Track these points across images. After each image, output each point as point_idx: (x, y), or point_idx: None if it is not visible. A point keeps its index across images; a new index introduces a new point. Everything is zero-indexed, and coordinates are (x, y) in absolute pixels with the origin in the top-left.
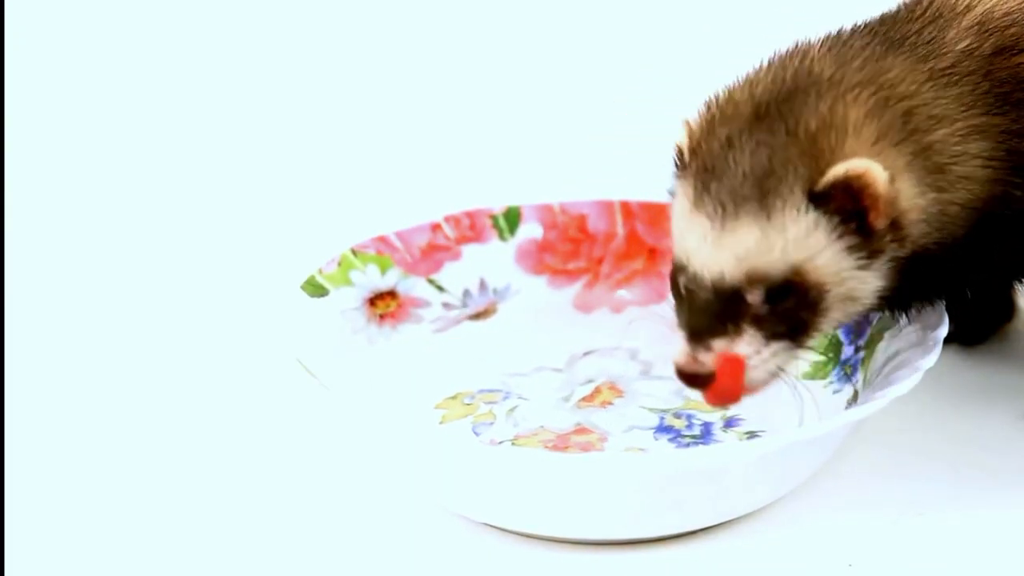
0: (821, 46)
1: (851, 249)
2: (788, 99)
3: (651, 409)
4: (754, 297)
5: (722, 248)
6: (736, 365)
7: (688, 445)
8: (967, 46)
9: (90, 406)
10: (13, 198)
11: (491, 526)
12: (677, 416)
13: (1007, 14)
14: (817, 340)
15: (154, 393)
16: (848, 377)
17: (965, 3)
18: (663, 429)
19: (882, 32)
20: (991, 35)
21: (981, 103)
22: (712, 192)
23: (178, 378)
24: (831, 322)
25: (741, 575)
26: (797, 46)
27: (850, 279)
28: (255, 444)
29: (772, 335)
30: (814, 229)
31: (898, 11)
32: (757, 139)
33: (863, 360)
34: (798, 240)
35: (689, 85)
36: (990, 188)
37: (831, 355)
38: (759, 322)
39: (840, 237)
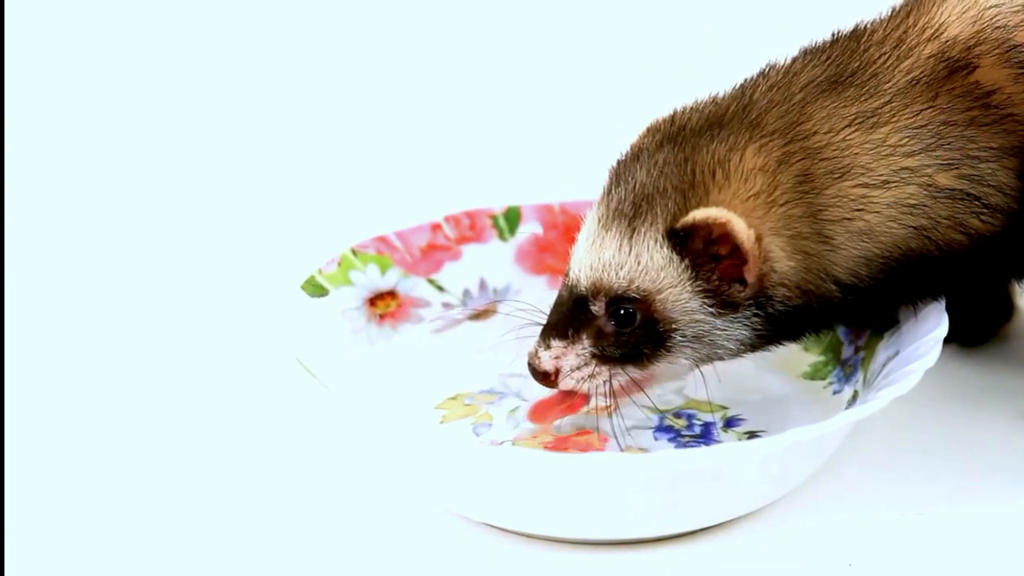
0: (768, 79)
1: (706, 294)
2: (706, 130)
3: (651, 409)
4: (598, 309)
5: (587, 255)
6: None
7: (688, 445)
8: (916, 76)
9: (91, 406)
10: (13, 198)
11: (491, 526)
12: (677, 416)
13: (976, 34)
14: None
15: (154, 393)
16: (848, 377)
17: (933, 29)
18: (663, 429)
19: (835, 62)
20: (951, 58)
21: (914, 141)
22: (607, 198)
23: (178, 378)
24: (681, 359)
25: (741, 575)
26: (762, 71)
27: (703, 323)
28: (255, 444)
29: (605, 355)
30: (667, 264)
31: (869, 30)
32: (657, 160)
33: (863, 360)
34: (648, 269)
35: (691, 86)
36: (903, 239)
37: (831, 355)
38: (600, 337)
39: (695, 280)
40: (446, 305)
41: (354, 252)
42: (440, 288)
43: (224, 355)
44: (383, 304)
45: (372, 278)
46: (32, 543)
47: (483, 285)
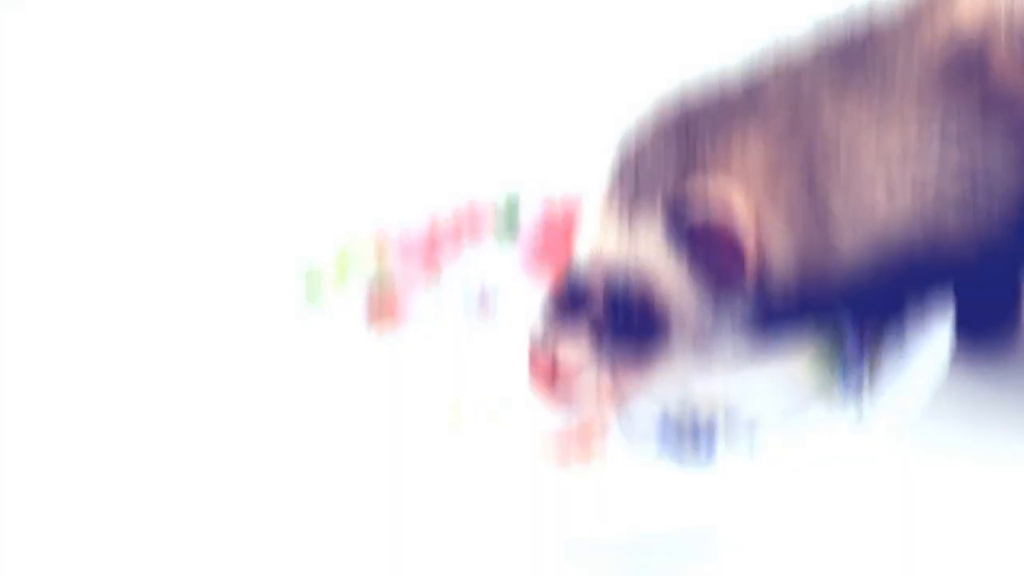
0: (774, 68)
1: (705, 281)
2: (709, 115)
3: (650, 407)
4: (596, 299)
5: (586, 243)
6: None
7: (687, 445)
8: (925, 71)
9: (88, 406)
10: (12, 198)
11: (491, 527)
12: (678, 416)
13: (987, 31)
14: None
15: (153, 394)
16: (849, 377)
17: (944, 26)
18: (663, 427)
19: (843, 53)
20: (962, 55)
21: (922, 135)
22: (613, 180)
23: (176, 378)
24: (681, 349)
25: (741, 575)
26: (767, 59)
27: (702, 310)
28: (254, 445)
29: (604, 346)
30: (667, 251)
31: (879, 24)
32: (658, 145)
33: (865, 361)
34: (647, 250)
35: (691, 80)
36: (907, 232)
37: (832, 355)
38: (598, 328)
39: (692, 262)
40: (446, 306)
41: (353, 250)
42: (440, 288)
43: (223, 356)
44: (383, 305)
45: (372, 279)
46: (31, 543)
47: (483, 285)
